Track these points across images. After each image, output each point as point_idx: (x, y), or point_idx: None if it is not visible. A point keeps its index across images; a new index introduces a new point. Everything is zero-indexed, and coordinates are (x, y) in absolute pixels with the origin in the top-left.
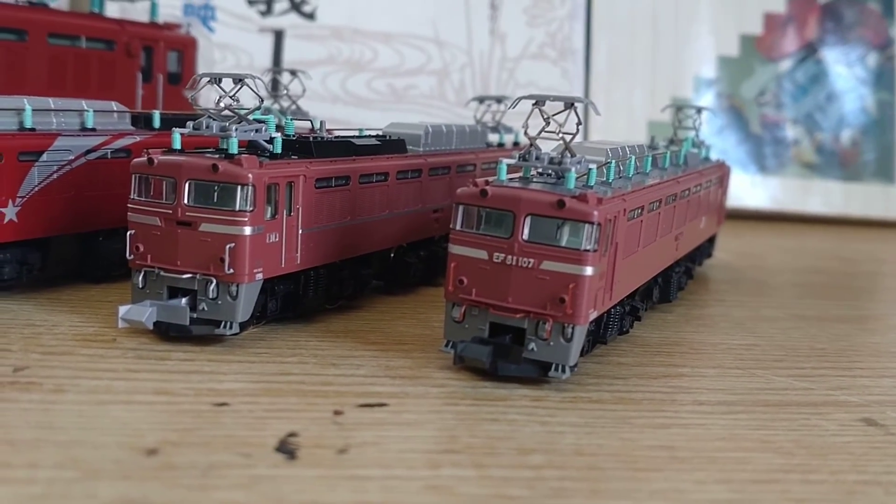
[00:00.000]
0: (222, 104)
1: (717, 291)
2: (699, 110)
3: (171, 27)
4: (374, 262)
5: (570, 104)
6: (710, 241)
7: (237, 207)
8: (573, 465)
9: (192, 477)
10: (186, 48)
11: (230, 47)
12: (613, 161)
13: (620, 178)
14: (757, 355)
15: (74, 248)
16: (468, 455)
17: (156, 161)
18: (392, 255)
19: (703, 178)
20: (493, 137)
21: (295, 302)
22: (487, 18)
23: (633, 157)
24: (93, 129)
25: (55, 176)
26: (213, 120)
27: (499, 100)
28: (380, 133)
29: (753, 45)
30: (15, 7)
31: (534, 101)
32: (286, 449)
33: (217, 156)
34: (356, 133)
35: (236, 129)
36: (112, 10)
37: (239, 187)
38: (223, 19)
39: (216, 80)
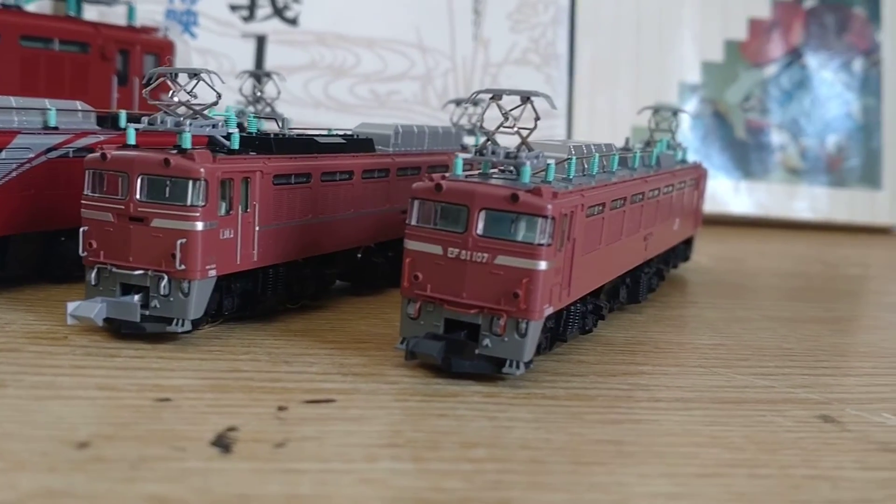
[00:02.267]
0: (176, 99)
1: (691, 294)
2: (675, 112)
3: (148, 31)
4: (338, 261)
5: (525, 98)
6: (687, 244)
7: (189, 202)
8: (515, 459)
9: (120, 470)
10: (163, 52)
11: (212, 52)
12: (574, 157)
13: (584, 175)
14: (722, 354)
15: (36, 247)
16: (409, 449)
17: (109, 156)
18: (359, 255)
19: (675, 180)
20: (469, 140)
21: (253, 300)
22: (471, 24)
23: (598, 155)
24: (55, 128)
25: (14, 174)
26: (168, 115)
27: (475, 102)
28: (347, 132)
29: (738, 51)
30: None
31: (490, 96)
32: (222, 443)
33: (172, 151)
34: (323, 132)
35: (190, 124)
36: (91, 15)
37: (191, 182)
38: (205, 24)
39: (172, 75)
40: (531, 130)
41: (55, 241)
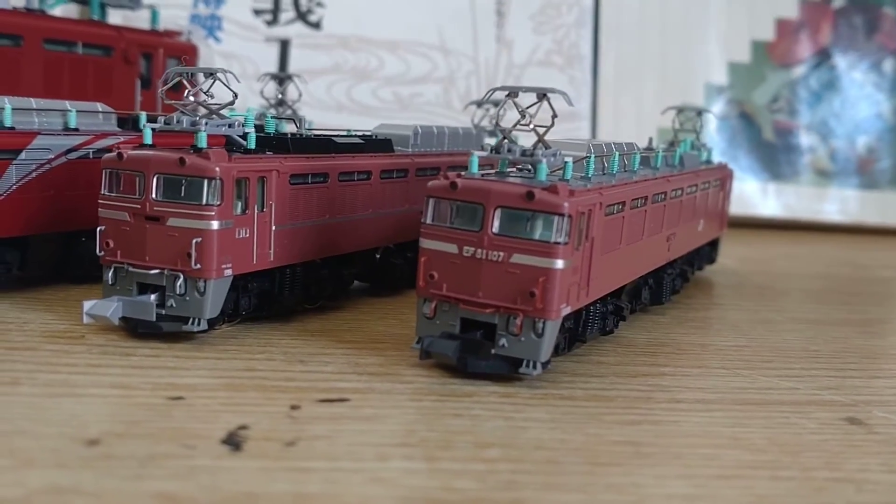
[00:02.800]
0: (192, 98)
1: (716, 295)
2: (700, 112)
3: (171, 34)
4: (356, 262)
5: (542, 95)
6: (713, 245)
7: (204, 201)
8: (530, 459)
9: (129, 467)
10: (186, 55)
11: (236, 57)
12: (593, 155)
13: (604, 174)
14: (746, 356)
15: (56, 248)
16: (422, 449)
17: (125, 156)
18: (378, 256)
19: (699, 180)
20: (490, 141)
21: (270, 300)
22: (493, 25)
23: (618, 154)
24: (75, 130)
25: (34, 175)
26: (185, 115)
27: (495, 103)
28: (366, 133)
29: (765, 52)
30: (10, 13)
31: (507, 93)
32: (232, 441)
33: (189, 151)
34: (342, 133)
35: (206, 124)
36: (115, 19)
37: (206, 181)
38: (229, 29)
39: (188, 74)
40: (548, 128)
41: (75, 241)
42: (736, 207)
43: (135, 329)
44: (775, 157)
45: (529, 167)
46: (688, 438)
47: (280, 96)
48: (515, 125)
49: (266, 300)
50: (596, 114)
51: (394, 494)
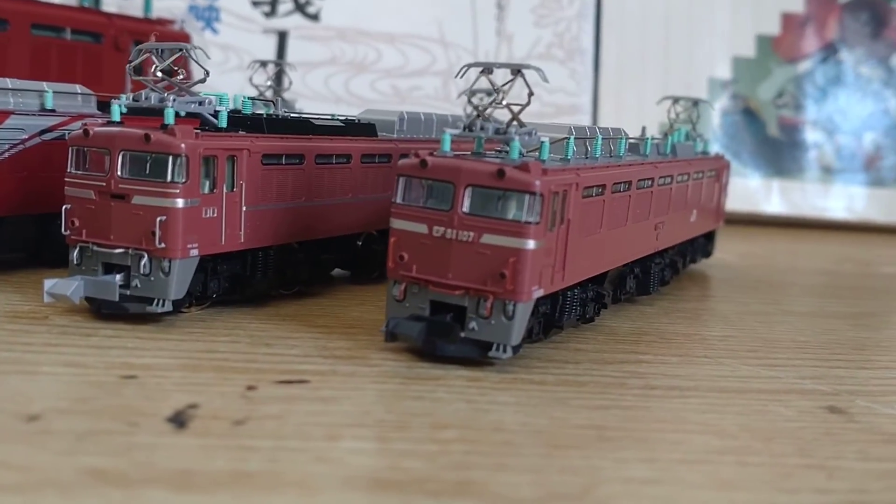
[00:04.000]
0: (158, 74)
1: (709, 288)
2: (696, 103)
3: (164, 22)
4: (337, 248)
5: (516, 71)
6: (708, 238)
7: (169, 178)
8: (487, 441)
9: (65, 442)
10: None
11: (234, 48)
12: (572, 137)
13: (587, 157)
14: (731, 345)
15: (30, 230)
16: (376, 430)
17: (91, 132)
18: (359, 242)
19: (691, 169)
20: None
21: (242, 284)
22: (494, 18)
23: (601, 138)
24: (52, 111)
25: (6, 155)
26: (154, 92)
27: (489, 93)
28: (350, 117)
29: (770, 46)
30: None
31: (480, 70)
32: (178, 419)
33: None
34: (326, 117)
35: (174, 100)
36: (110, 6)
37: (171, 157)
38: (227, 20)
39: (158, 50)
40: (523, 106)
41: (50, 223)
42: (739, 204)
43: (99, 310)
44: (780, 153)
45: (507, 150)
46: (656, 424)
47: (270, 83)
48: (492, 103)
49: (238, 283)
50: (597, 108)
51: (336, 473)
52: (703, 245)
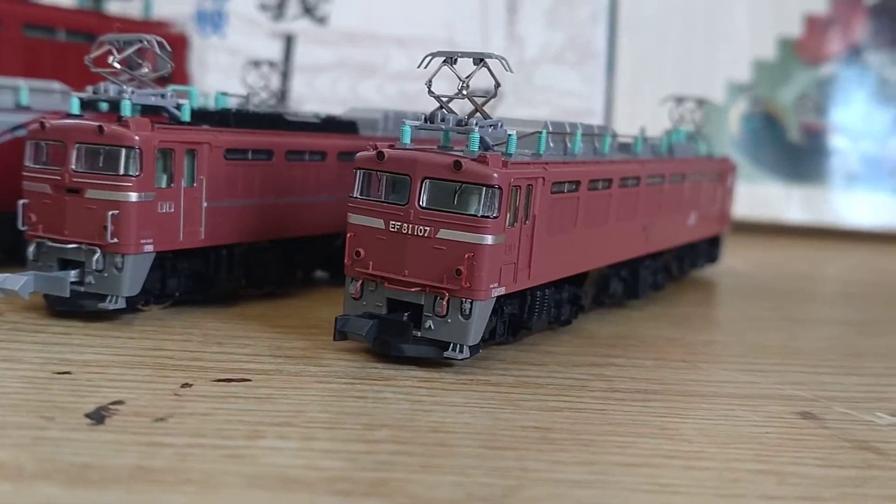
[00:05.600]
0: (116, 65)
1: (710, 294)
2: (700, 103)
3: (162, 25)
4: (312, 248)
5: (479, 60)
6: (713, 243)
7: (122, 171)
8: (419, 442)
9: None
10: (176, 46)
11: (241, 51)
12: (544, 131)
13: (565, 153)
14: (714, 351)
15: (5, 227)
16: (303, 429)
17: (47, 125)
18: (338, 242)
19: (688, 169)
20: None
21: (205, 283)
22: (504, 22)
23: (580, 133)
24: (27, 108)
25: None
26: (113, 84)
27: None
28: (330, 115)
29: (792, 49)
30: None
31: (443, 59)
32: (97, 415)
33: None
34: (308, 114)
35: (132, 93)
36: (114, 9)
37: (123, 150)
38: (235, 24)
39: (119, 42)
40: (487, 98)
41: None
42: (759, 211)
43: (52, 307)
44: (801, 159)
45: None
46: (608, 426)
47: (264, 83)
48: (456, 95)
49: (201, 282)
50: (611, 112)
51: (243, 471)
52: (706, 250)
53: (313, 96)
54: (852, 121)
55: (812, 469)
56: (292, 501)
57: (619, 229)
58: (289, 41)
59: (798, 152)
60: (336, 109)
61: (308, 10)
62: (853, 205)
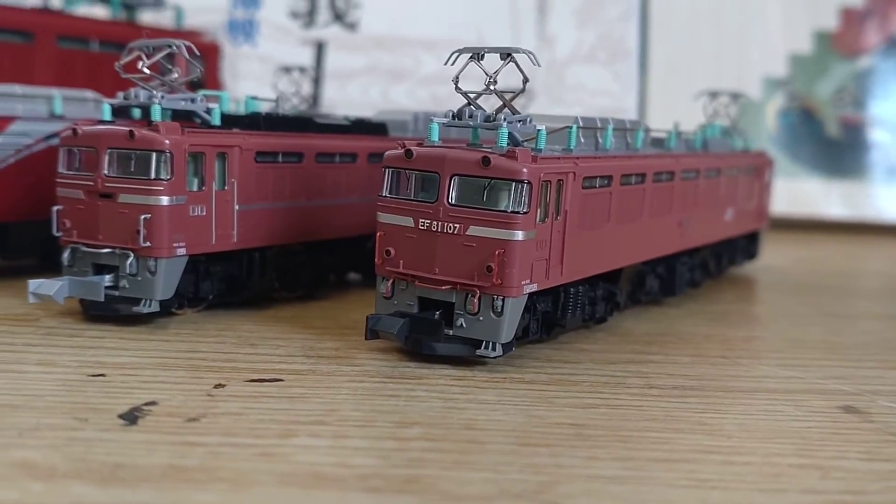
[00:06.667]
0: (146, 70)
1: (748, 291)
2: (736, 97)
3: (194, 34)
4: (343, 250)
5: (506, 55)
6: (752, 239)
7: (153, 175)
8: (452, 439)
9: (6, 437)
10: (208, 54)
11: (273, 59)
12: (574, 126)
13: (597, 148)
14: (754, 346)
15: (37, 235)
16: (336, 427)
17: (79, 132)
18: (370, 244)
19: (724, 164)
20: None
21: (239, 286)
22: (534, 22)
23: (611, 128)
24: (61, 116)
25: (11, 160)
26: (143, 90)
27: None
28: (361, 118)
29: (829, 42)
30: (22, 10)
31: (470, 55)
32: (130, 416)
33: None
34: (340, 117)
35: (162, 98)
36: (147, 20)
37: (154, 154)
38: (266, 32)
39: (149, 48)
40: (516, 94)
41: None
42: (798, 207)
43: (88, 311)
44: (840, 153)
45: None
46: (645, 422)
47: (295, 89)
48: (484, 91)
49: (235, 285)
50: (644, 110)
51: (275, 469)
52: (744, 246)
53: (345, 102)
54: (892, 114)
55: (856, 463)
56: (324, 498)
57: (654, 225)
58: (320, 48)
59: (837, 147)
60: (367, 114)
61: (338, 17)
62: (894, 199)
